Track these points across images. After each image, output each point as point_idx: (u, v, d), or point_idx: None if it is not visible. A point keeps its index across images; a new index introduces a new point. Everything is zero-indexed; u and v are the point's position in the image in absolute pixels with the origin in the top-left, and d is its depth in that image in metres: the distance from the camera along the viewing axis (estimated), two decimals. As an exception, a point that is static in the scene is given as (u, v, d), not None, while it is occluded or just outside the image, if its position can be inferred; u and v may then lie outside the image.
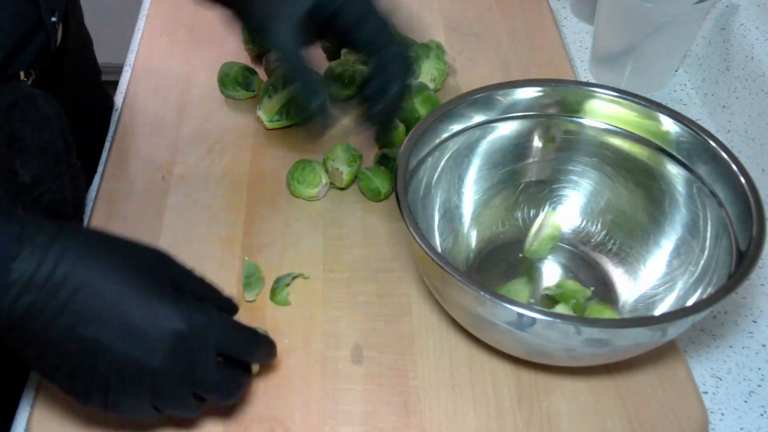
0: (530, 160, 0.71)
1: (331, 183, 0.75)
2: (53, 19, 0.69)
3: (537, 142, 0.70)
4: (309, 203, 0.74)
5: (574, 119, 0.69)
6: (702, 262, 0.62)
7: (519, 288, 0.66)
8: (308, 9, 0.61)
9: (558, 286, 0.65)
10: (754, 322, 0.68)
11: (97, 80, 0.93)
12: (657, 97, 0.89)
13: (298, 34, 0.61)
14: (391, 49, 0.62)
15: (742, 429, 0.61)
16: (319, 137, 0.75)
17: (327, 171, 0.75)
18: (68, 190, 0.69)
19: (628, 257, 0.68)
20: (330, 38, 0.66)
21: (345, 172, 0.73)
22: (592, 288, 0.66)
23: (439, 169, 0.68)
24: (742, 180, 0.59)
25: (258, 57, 0.90)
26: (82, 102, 0.83)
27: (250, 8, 0.64)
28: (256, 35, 0.68)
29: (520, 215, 0.72)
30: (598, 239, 0.70)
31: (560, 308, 0.64)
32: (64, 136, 0.69)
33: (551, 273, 0.69)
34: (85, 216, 0.74)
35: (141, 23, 0.96)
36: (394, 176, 0.60)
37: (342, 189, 0.75)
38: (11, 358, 0.62)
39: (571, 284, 0.65)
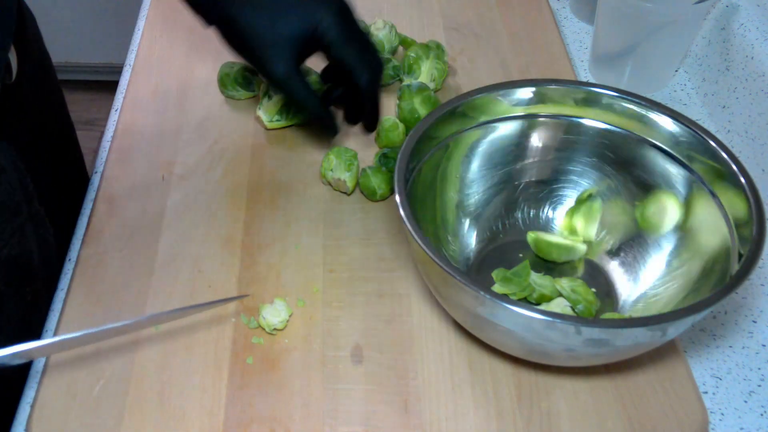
0: (530, 160, 0.71)
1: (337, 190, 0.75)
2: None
3: (537, 142, 0.70)
4: (309, 202, 0.74)
5: (574, 119, 0.69)
6: (702, 262, 0.62)
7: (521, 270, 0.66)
8: (297, 37, 0.66)
9: (573, 290, 0.65)
10: (754, 322, 0.68)
11: (60, 101, 0.87)
12: (657, 97, 0.89)
13: (297, 66, 0.68)
14: (366, 58, 0.69)
15: (742, 429, 0.61)
16: (327, 140, 0.80)
17: (329, 183, 0.75)
18: (32, 242, 0.67)
19: (627, 257, 0.68)
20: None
21: (347, 178, 0.73)
22: (594, 290, 0.66)
23: (439, 169, 0.68)
24: (742, 180, 0.59)
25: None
26: (43, 134, 0.79)
27: (240, 37, 0.67)
28: (252, 65, 0.70)
29: (520, 215, 0.72)
30: (598, 239, 0.70)
31: (556, 304, 0.64)
32: (22, 185, 0.65)
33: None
34: (75, 240, 0.72)
35: (141, 23, 0.96)
36: (394, 176, 0.60)
37: (350, 194, 0.75)
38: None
39: (585, 290, 0.65)
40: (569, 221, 0.70)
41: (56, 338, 0.55)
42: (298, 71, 0.69)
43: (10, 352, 0.53)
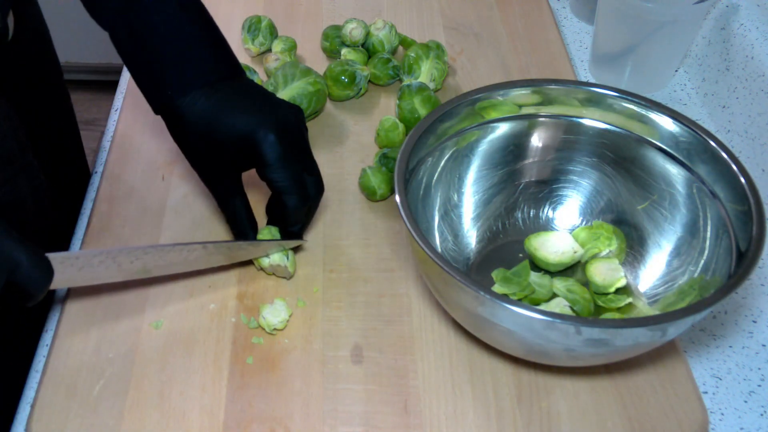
0: (530, 160, 0.71)
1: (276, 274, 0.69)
2: None
3: (537, 142, 0.70)
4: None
5: (574, 119, 0.69)
6: (702, 262, 0.62)
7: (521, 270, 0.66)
8: (235, 152, 0.63)
9: (569, 289, 0.65)
10: (754, 322, 0.68)
11: (58, 79, 0.89)
12: (657, 97, 0.89)
13: (232, 177, 0.66)
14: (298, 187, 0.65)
15: (742, 429, 0.61)
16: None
17: (264, 269, 0.68)
18: (25, 191, 0.68)
19: (627, 257, 0.68)
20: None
21: (287, 263, 0.67)
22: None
23: (439, 169, 0.68)
24: (742, 180, 0.59)
25: (258, 57, 0.91)
26: (39, 100, 0.81)
27: (183, 139, 0.66)
28: (194, 163, 0.68)
29: (520, 215, 0.72)
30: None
31: (555, 304, 0.64)
32: (15, 136, 0.66)
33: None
34: (75, 240, 0.73)
35: (141, 23, 0.96)
36: (394, 176, 0.60)
37: (291, 278, 0.69)
38: (11, 359, 0.62)
39: (581, 289, 0.65)
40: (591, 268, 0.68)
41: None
42: (234, 185, 0.67)
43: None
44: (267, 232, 0.67)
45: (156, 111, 0.66)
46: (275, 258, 0.66)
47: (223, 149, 0.63)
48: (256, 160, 0.63)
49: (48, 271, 0.54)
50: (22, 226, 0.67)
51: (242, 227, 0.67)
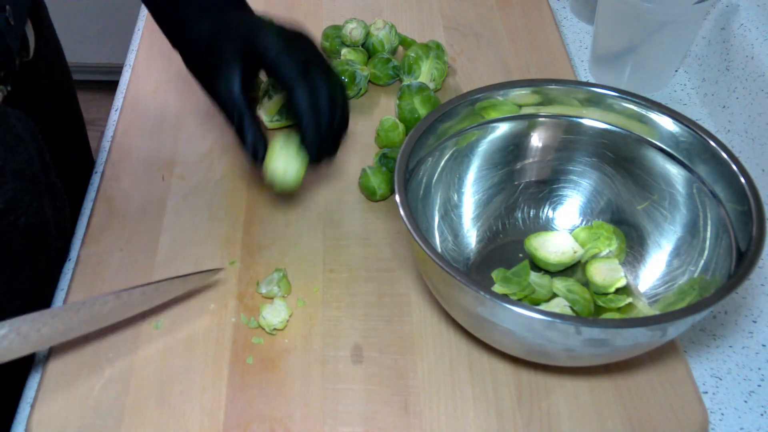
0: (530, 160, 0.71)
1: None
2: (5, 14, 0.67)
3: (537, 142, 0.70)
4: (309, 202, 0.74)
5: (574, 119, 0.69)
6: (702, 262, 0.62)
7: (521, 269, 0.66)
8: (242, 63, 0.63)
9: (569, 289, 0.65)
10: (754, 322, 0.68)
11: (71, 91, 0.90)
12: (657, 97, 0.89)
13: (240, 88, 0.64)
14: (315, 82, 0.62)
15: (742, 429, 0.61)
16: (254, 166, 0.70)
17: (266, 180, 0.66)
18: (48, 211, 0.67)
19: (627, 257, 0.68)
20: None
21: (295, 171, 0.64)
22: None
23: (439, 169, 0.68)
24: (742, 180, 0.59)
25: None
26: (56, 116, 0.81)
27: (193, 61, 0.68)
28: (203, 89, 0.68)
29: (520, 215, 0.72)
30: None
31: (555, 304, 0.64)
32: (40, 156, 0.66)
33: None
34: (75, 240, 0.73)
35: (141, 23, 0.96)
36: (394, 176, 0.60)
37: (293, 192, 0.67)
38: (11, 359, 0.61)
39: (581, 289, 0.65)
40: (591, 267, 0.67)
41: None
42: (241, 90, 0.65)
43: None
44: (280, 142, 0.63)
45: (174, 46, 0.69)
46: (280, 163, 0.63)
47: (230, 57, 0.63)
48: (259, 55, 0.62)
49: None
50: (44, 246, 0.67)
51: (252, 138, 0.64)
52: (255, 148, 0.64)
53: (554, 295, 0.65)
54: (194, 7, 0.68)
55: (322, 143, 0.64)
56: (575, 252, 0.68)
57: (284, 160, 0.63)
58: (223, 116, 0.65)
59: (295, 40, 0.64)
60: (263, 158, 0.64)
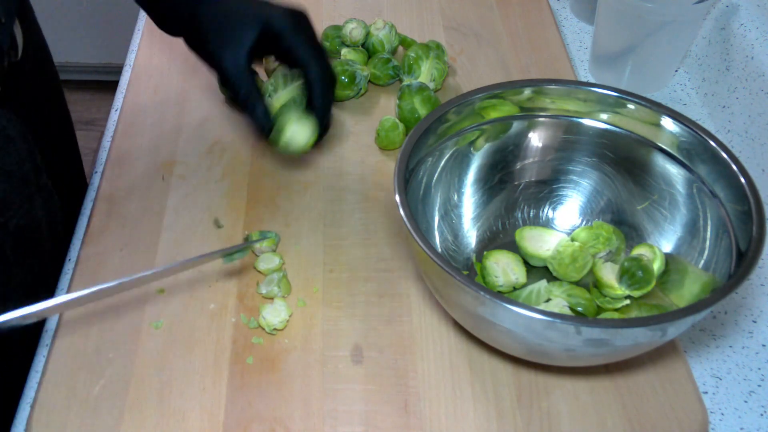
0: (530, 160, 0.71)
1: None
2: (2, 18, 0.66)
3: (537, 142, 0.70)
4: (309, 202, 0.74)
5: (574, 119, 0.69)
6: (702, 262, 0.62)
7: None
8: (255, 39, 0.66)
9: (569, 294, 0.65)
10: (754, 322, 0.68)
11: (59, 92, 0.90)
12: (657, 97, 0.89)
13: (249, 63, 0.67)
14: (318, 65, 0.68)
15: (742, 429, 0.61)
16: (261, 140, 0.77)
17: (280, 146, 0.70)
18: (40, 213, 0.67)
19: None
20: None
21: (308, 136, 0.70)
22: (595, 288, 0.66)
23: (439, 169, 0.68)
24: (742, 180, 0.59)
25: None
26: (45, 117, 0.81)
27: (202, 40, 0.68)
28: (210, 66, 0.70)
29: (520, 215, 0.72)
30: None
31: (555, 304, 0.64)
32: (31, 157, 0.66)
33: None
34: (75, 240, 0.73)
35: (141, 23, 0.96)
36: (394, 176, 0.60)
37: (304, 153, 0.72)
38: (11, 359, 0.62)
39: (580, 291, 0.65)
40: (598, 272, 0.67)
41: (69, 296, 0.55)
42: (248, 67, 0.68)
43: (24, 313, 0.53)
44: (288, 112, 0.69)
45: (174, 34, 0.71)
46: (294, 126, 0.69)
47: (241, 34, 0.66)
48: (274, 39, 0.67)
49: None
50: (36, 249, 0.67)
51: (261, 110, 0.68)
52: (263, 121, 0.68)
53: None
54: None
55: (329, 109, 0.70)
56: (549, 250, 0.68)
57: (297, 124, 0.69)
58: (230, 90, 0.69)
59: (301, 19, 0.69)
60: (270, 130, 0.69)
